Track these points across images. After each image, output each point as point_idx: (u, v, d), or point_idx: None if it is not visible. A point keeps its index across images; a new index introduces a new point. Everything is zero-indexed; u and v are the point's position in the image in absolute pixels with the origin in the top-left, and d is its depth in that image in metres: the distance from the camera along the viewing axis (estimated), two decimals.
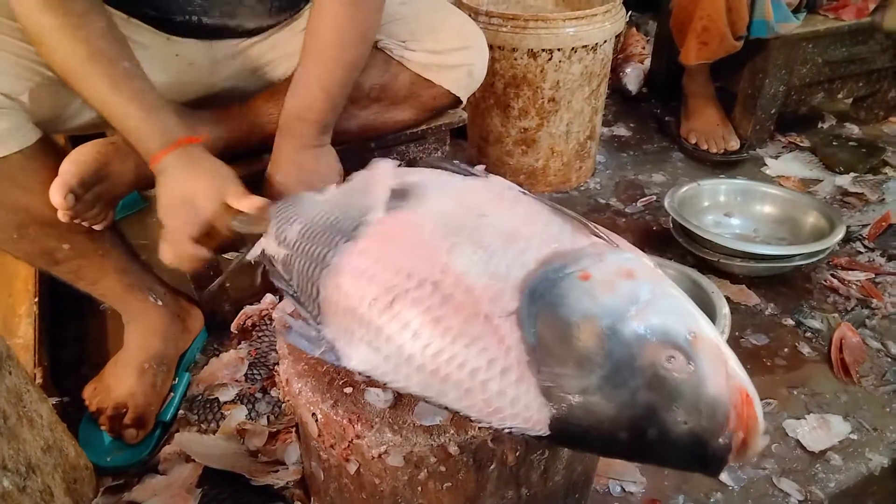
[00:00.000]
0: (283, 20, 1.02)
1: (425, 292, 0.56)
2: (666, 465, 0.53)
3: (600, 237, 0.59)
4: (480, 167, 0.71)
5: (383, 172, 0.70)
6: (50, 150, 0.87)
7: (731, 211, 1.49)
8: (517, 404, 0.53)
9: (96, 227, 0.90)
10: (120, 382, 1.01)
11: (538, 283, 0.54)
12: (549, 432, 0.52)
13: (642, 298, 0.52)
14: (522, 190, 0.66)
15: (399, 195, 0.65)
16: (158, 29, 0.94)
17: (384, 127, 1.09)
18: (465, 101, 1.14)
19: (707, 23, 1.63)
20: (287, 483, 0.92)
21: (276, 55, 1.04)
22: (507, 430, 0.54)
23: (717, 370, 0.49)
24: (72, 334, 1.22)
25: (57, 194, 0.81)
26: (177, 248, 0.81)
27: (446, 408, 0.57)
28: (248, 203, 0.78)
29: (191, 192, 0.79)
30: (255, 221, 0.77)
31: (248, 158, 1.03)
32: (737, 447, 0.48)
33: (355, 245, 0.63)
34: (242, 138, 1.00)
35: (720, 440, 0.48)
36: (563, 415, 0.51)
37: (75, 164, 0.84)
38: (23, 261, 0.98)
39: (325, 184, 0.77)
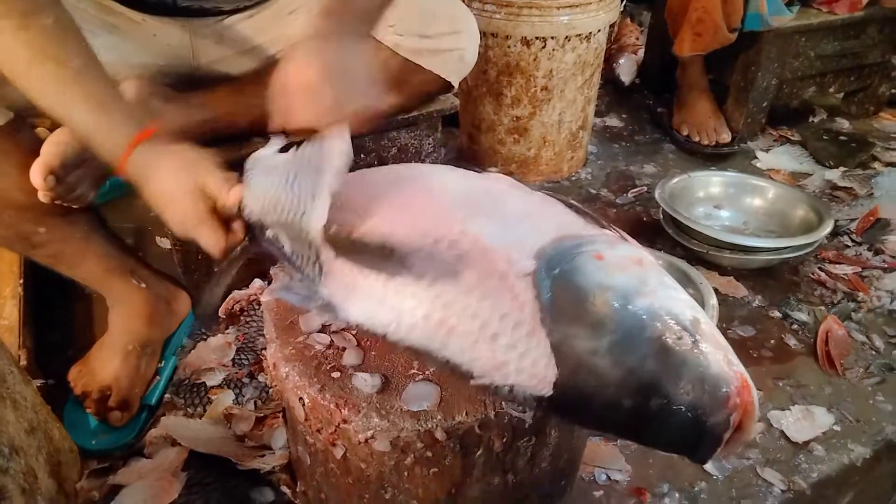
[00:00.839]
0: (260, 1, 1.00)
1: (442, 247, 0.58)
2: (659, 441, 0.53)
3: (611, 230, 0.61)
4: (493, 169, 0.72)
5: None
6: (22, 131, 0.84)
7: (721, 203, 1.49)
8: (525, 358, 0.54)
9: (75, 206, 0.89)
10: (104, 365, 1.00)
11: (555, 253, 0.56)
12: (551, 392, 0.53)
13: (651, 284, 0.54)
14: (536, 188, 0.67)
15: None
16: (132, 8, 0.92)
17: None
18: (456, 86, 1.14)
19: (702, 14, 1.63)
20: (273, 467, 0.92)
21: (264, 39, 1.02)
22: (507, 389, 0.55)
23: (719, 354, 0.51)
24: (58, 317, 1.21)
25: (37, 176, 0.79)
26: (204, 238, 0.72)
27: (447, 361, 0.57)
28: (232, 198, 0.69)
29: (170, 194, 0.70)
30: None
31: (237, 142, 1.03)
32: (733, 428, 0.49)
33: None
34: (230, 121, 0.99)
35: (719, 417, 0.49)
36: (569, 374, 0.52)
37: (57, 145, 0.82)
38: (1, 246, 0.97)
39: (355, 96, 0.67)
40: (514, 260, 0.56)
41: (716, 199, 1.50)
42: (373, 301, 0.60)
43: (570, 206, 0.63)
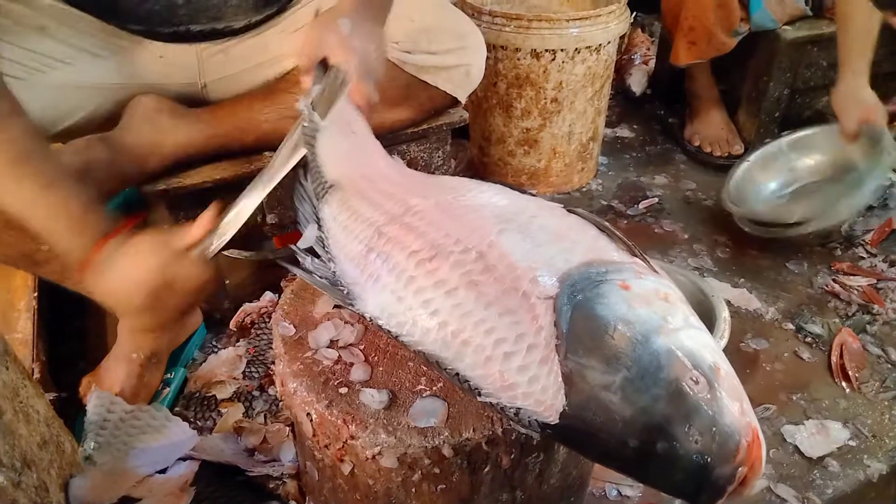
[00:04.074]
0: (270, 13, 1.01)
1: (469, 257, 0.58)
2: (660, 484, 0.52)
3: (643, 261, 0.60)
4: (532, 192, 0.72)
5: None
6: None
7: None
8: (535, 384, 0.53)
9: None
10: (109, 375, 1.02)
11: (580, 279, 0.55)
12: (557, 421, 0.52)
13: (674, 322, 0.53)
14: (574, 209, 0.67)
15: None
16: (143, 36, 0.93)
17: (382, 127, 1.09)
18: (463, 102, 1.14)
19: (692, 22, 1.62)
20: (282, 474, 0.92)
21: (269, 56, 1.03)
22: (513, 411, 0.54)
23: (735, 404, 0.50)
24: (72, 329, 1.22)
25: None
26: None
27: (457, 374, 0.57)
28: (199, 228, 0.72)
29: (143, 259, 0.72)
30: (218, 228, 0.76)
31: (245, 157, 1.03)
32: (738, 481, 0.48)
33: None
34: (237, 136, 1.00)
35: (725, 469, 0.48)
36: (577, 406, 0.52)
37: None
38: (5, 264, 0.98)
39: (379, 70, 0.80)
40: (539, 280, 0.55)
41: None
42: (392, 297, 0.60)
43: (604, 229, 0.62)
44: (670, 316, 0.53)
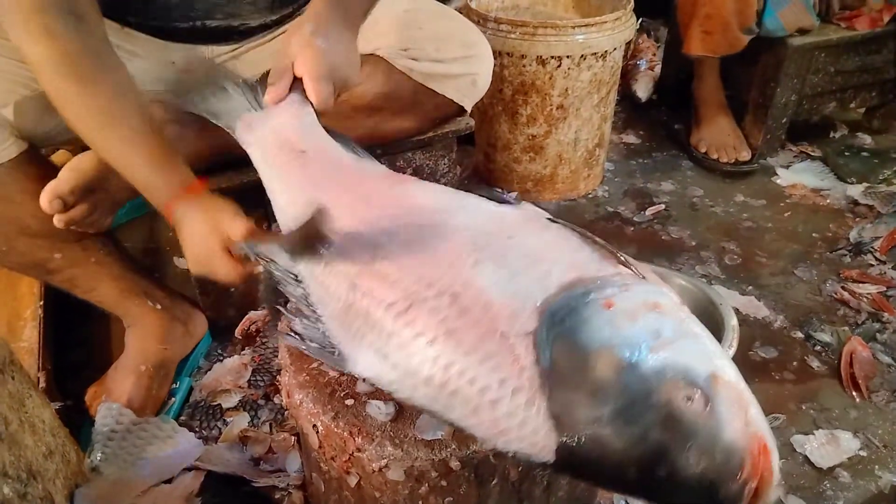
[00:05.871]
0: (285, 14, 1.01)
1: (443, 303, 0.56)
2: None
3: (628, 268, 0.58)
4: (513, 195, 0.70)
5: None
6: (35, 162, 0.87)
7: None
8: (525, 427, 0.51)
9: (90, 231, 0.90)
10: (117, 386, 1.02)
11: (559, 307, 0.53)
12: (554, 459, 0.51)
13: (665, 334, 0.51)
14: (554, 219, 0.65)
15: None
16: (160, 37, 0.93)
17: (388, 135, 1.09)
18: (469, 111, 1.14)
19: (710, 10, 1.61)
20: (287, 486, 0.91)
21: None
22: (511, 454, 0.53)
23: (736, 415, 0.48)
24: (78, 337, 1.22)
25: (43, 198, 0.82)
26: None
27: (452, 424, 0.56)
28: (237, 229, 0.74)
29: (193, 236, 0.76)
30: (259, 241, 0.73)
31: (251, 166, 1.03)
32: (748, 497, 0.46)
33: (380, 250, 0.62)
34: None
35: (731, 488, 0.46)
36: (570, 444, 0.50)
37: (73, 171, 0.84)
38: (16, 272, 0.99)
39: (350, 75, 0.78)
40: (517, 315, 0.53)
41: None
42: (377, 356, 0.58)
43: (586, 238, 0.60)
44: (660, 327, 0.51)
